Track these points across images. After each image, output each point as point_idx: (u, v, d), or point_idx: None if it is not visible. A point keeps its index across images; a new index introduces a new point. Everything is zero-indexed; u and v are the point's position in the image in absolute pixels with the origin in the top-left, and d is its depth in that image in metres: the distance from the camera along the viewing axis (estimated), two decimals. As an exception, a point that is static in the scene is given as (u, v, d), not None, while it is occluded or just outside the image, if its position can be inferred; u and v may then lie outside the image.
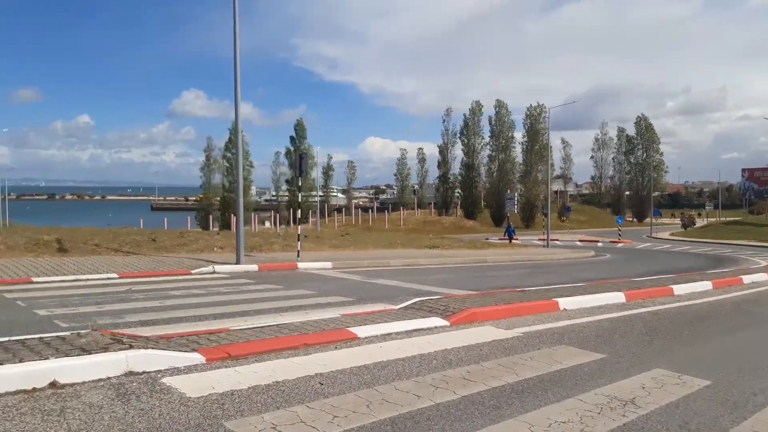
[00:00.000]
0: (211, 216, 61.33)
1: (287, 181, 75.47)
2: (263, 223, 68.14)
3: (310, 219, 65.04)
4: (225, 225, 62.97)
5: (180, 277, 11.29)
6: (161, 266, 12.34)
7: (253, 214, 65.79)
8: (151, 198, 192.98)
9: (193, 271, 12.02)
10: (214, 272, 12.33)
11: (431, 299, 8.16)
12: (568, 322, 7.30)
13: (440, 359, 5.17)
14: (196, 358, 4.66)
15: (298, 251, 14.95)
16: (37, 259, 11.91)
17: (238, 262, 13.26)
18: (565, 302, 8.34)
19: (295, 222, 56.60)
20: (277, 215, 65.79)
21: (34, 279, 9.95)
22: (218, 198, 69.16)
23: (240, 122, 13.59)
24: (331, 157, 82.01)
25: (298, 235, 15.30)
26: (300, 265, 13.94)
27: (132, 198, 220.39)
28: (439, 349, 5.50)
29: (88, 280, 10.41)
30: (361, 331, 5.92)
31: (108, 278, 10.67)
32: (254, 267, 13.11)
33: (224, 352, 4.88)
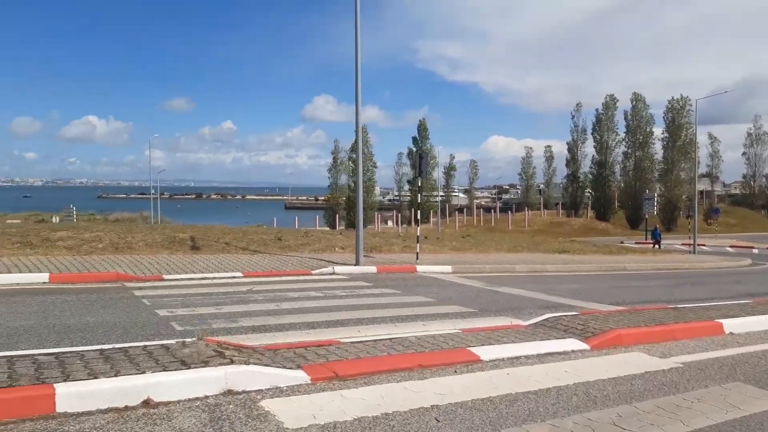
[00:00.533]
0: (337, 215, 63.27)
1: (408, 182, 75.88)
2: (386, 223, 69.07)
3: (431, 219, 64.79)
4: (350, 224, 64.62)
5: (300, 278, 11.24)
6: (284, 265, 12.44)
7: (376, 213, 67.03)
8: (284, 197, 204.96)
9: (313, 272, 11.96)
10: (333, 273, 12.19)
11: (566, 315, 7.16)
12: (738, 351, 6.00)
13: (581, 395, 4.29)
14: (301, 377, 4.23)
15: (417, 253, 14.44)
16: (171, 256, 12.54)
17: (357, 264, 13.04)
18: (730, 324, 6.96)
19: (415, 222, 56.62)
20: (399, 215, 66.34)
21: (165, 276, 10.38)
22: (344, 198, 71.39)
23: (360, 124, 13.34)
24: (453, 157, 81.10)
25: (417, 236, 14.78)
26: (419, 268, 13.40)
27: (268, 197, 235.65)
28: (579, 381, 4.60)
29: (214, 278, 10.68)
30: (485, 353, 5.18)
31: (233, 277, 10.88)
32: (373, 269, 12.80)
33: (331, 370, 4.41)
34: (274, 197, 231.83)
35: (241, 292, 9.15)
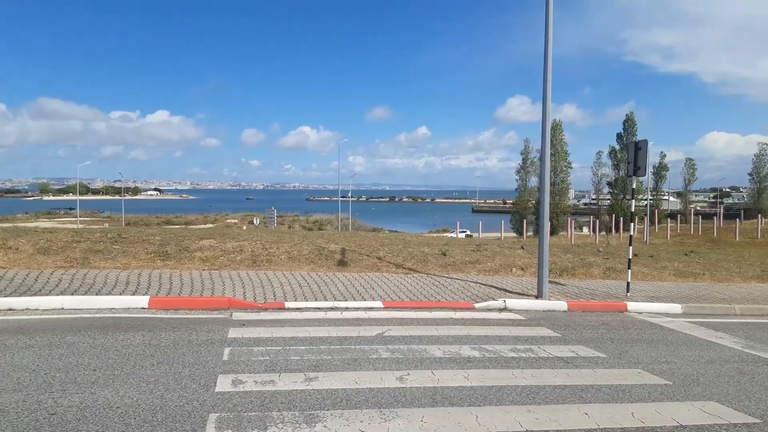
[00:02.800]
0: (525, 220, 58.54)
1: (609, 184, 68.14)
2: (580, 229, 62.35)
3: (635, 226, 56.69)
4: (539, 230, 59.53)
5: (456, 314, 8.27)
6: (440, 292, 9.59)
7: (570, 218, 60.80)
8: (472, 201, 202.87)
9: (476, 306, 8.90)
10: (504, 309, 8.98)
11: None
12: None
13: None
14: None
15: (628, 283, 10.46)
16: (311, 274, 10.50)
17: (539, 295, 9.63)
18: None
19: (617, 231, 49.33)
20: (597, 221, 59.23)
21: (287, 304, 8.21)
22: (533, 201, 66.55)
23: (548, 120, 9.88)
24: (664, 155, 70.16)
25: (629, 260, 10.74)
26: (631, 305, 9.50)
27: (457, 201, 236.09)
28: None
29: (346, 308, 8.25)
30: None
31: (369, 308, 8.35)
32: (561, 304, 9.28)
33: None
34: (462, 200, 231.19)
35: (366, 338, 6.51)
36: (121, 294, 8.03)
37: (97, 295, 7.91)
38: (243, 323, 7.06)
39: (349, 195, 75.78)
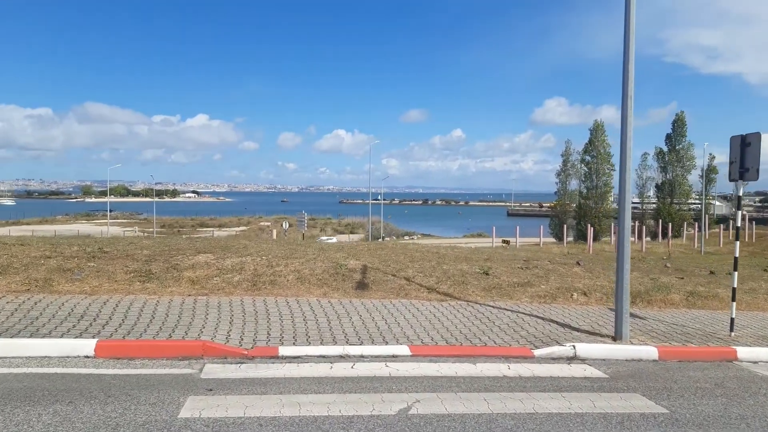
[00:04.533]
0: (565, 225, 55.35)
1: (657, 186, 64.46)
2: (623, 234, 58.76)
3: (684, 232, 52.91)
4: (580, 235, 56.76)
5: (511, 369, 6.05)
6: (486, 329, 7.39)
7: (612, 223, 57.37)
8: (507, 204, 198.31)
9: (536, 353, 6.65)
10: (574, 358, 6.71)
11: None
12: None
13: None
14: None
15: (732, 320, 8.03)
16: (321, 300, 8.42)
17: (617, 337, 7.32)
18: None
19: (664, 237, 45.85)
20: (643, 227, 55.65)
21: (282, 350, 6.14)
22: (574, 205, 63.36)
23: (629, 112, 7.55)
24: (713, 157, 65.62)
25: (734, 288, 8.27)
26: (742, 353, 7.13)
27: (491, 203, 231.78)
28: None
29: (359, 358, 6.14)
30: None
31: (391, 357, 6.21)
32: (650, 351, 6.95)
33: None
34: (496, 203, 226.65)
35: (384, 420, 4.37)
36: (63, 335, 6.08)
37: (31, 337, 5.98)
38: (211, 387, 5.01)
39: (381, 198, 73.78)
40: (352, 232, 72.97)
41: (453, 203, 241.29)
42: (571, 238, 55.82)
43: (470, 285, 9.98)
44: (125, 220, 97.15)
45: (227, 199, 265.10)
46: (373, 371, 5.70)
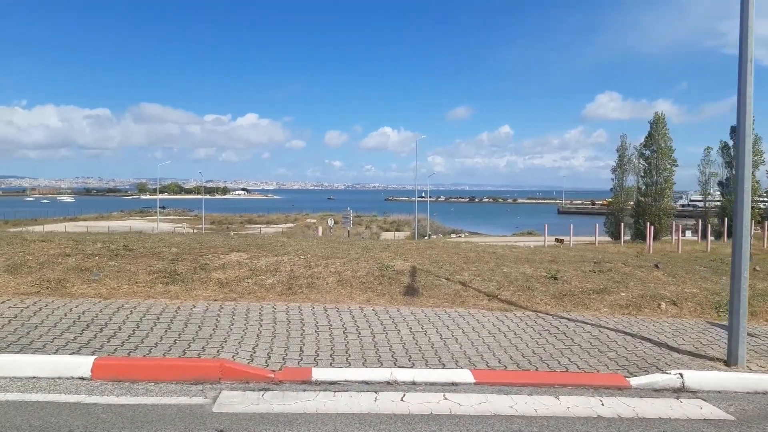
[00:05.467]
0: (622, 224, 52.51)
1: (720, 183, 60.63)
2: (683, 233, 55.61)
3: (751, 230, 49.33)
4: (638, 234, 53.86)
5: (605, 405, 4.72)
6: (564, 348, 6.06)
7: (673, 222, 54.11)
8: (557, 201, 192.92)
9: (633, 382, 5.28)
10: (681, 390, 5.29)
11: None
12: None
13: None
14: None
15: None
16: (364, 307, 7.27)
17: (731, 361, 5.84)
18: None
19: (729, 236, 42.61)
20: (709, 225, 52.16)
21: (317, 373, 5.00)
22: (631, 202, 60.29)
23: (749, 83, 6.06)
24: (788, 150, 61.05)
25: None
26: None
27: (540, 201, 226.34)
28: None
29: (411, 385, 4.94)
30: None
31: (449, 385, 4.98)
32: (781, 383, 5.45)
33: None
34: (546, 201, 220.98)
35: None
36: (58, 351, 5.13)
37: (20, 352, 5.05)
38: (223, 427, 3.92)
39: (428, 195, 72.35)
40: (397, 230, 71.90)
41: (500, 201, 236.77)
42: (628, 237, 53.02)
43: (537, 291, 8.61)
44: (176, 217, 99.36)
45: (275, 197, 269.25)
46: (428, 406, 4.48)
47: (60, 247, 8.97)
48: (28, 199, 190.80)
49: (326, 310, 7.08)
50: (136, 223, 73.34)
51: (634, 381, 5.31)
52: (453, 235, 67.60)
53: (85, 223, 74.66)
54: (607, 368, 5.60)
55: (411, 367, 5.26)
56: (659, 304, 8.42)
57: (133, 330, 5.84)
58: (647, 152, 58.14)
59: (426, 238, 57.50)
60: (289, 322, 6.49)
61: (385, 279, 8.56)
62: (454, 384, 5.03)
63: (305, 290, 7.90)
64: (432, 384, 5.00)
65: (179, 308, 6.76)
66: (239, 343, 5.66)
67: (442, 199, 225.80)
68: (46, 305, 6.51)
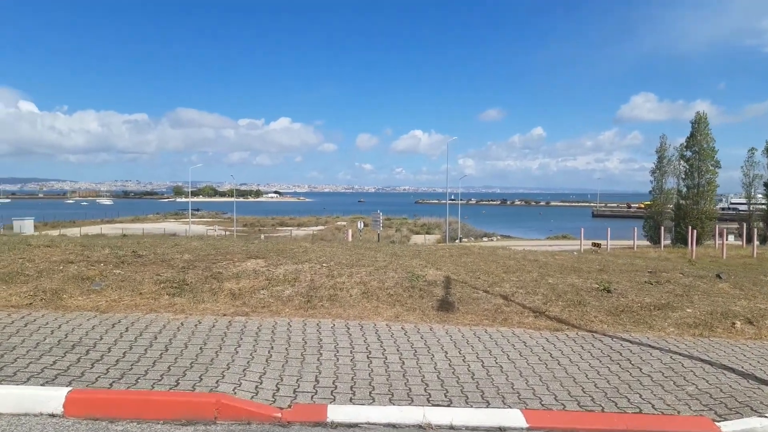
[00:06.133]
0: (662, 228, 50.37)
1: (766, 185, 57.69)
2: (725, 237, 53.00)
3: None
4: (680, 238, 51.63)
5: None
6: (630, 381, 5.04)
7: (716, 225, 51.65)
8: (591, 204, 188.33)
9: (723, 428, 4.23)
10: (788, 440, 4.22)
11: None
12: None
13: None
14: None
15: None
16: (394, 327, 6.36)
17: None
18: None
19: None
20: (754, 229, 49.54)
21: (332, 411, 4.12)
22: (671, 205, 57.91)
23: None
24: None
25: None
26: None
27: (573, 204, 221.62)
28: None
29: (449, 430, 4.01)
30: None
31: (498, 430, 4.04)
32: None
33: None
34: (580, 204, 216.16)
35: None
36: (30, 379, 4.35)
37: (-14, 379, 4.30)
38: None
39: (459, 198, 70.98)
40: (428, 233, 70.77)
41: (533, 203, 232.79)
42: (667, 241, 50.85)
43: (590, 306, 7.55)
44: (210, 219, 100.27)
45: (307, 199, 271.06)
46: (471, 462, 3.54)
47: (64, 254, 8.32)
48: (68, 201, 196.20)
49: (348, 328, 6.19)
50: (170, 225, 74.06)
51: (726, 427, 4.27)
52: (485, 239, 66.15)
53: (122, 225, 75.79)
54: (688, 408, 4.56)
55: (448, 405, 4.33)
56: (733, 323, 7.26)
57: (124, 352, 5.06)
58: (689, 153, 55.82)
59: (457, 241, 56.24)
60: (305, 342, 5.63)
61: (415, 291, 7.64)
62: (501, 429, 4.08)
63: (326, 303, 7.03)
64: (474, 429, 4.06)
65: (182, 325, 5.96)
66: (244, 370, 4.82)
67: (473, 201, 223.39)
68: (34, 320, 5.80)
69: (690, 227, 43.04)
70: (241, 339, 5.60)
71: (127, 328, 5.70)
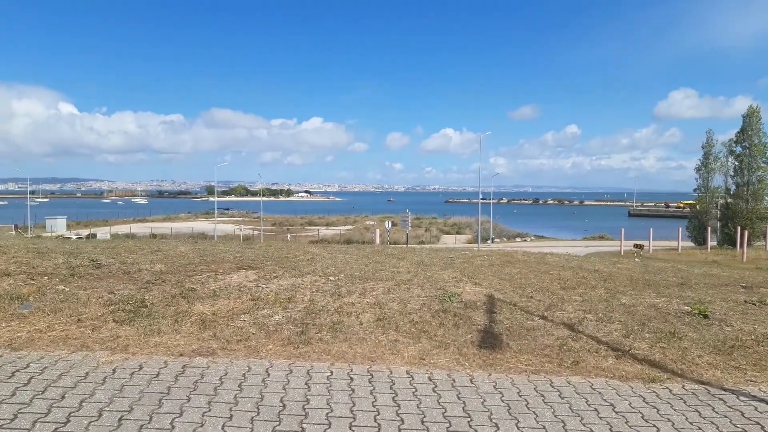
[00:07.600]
0: (708, 228, 47.15)
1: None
2: (770, 240, 49.60)
3: None
4: (725, 239, 48.50)
5: None
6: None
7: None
8: (627, 203, 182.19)
9: None
10: None
11: None
12: None
13: None
14: None
15: None
16: (418, 375, 4.45)
17: None
18: None
19: None
20: (808, 230, 45.86)
21: None
22: (718, 204, 54.59)
23: None
24: None
25: None
26: None
27: (608, 203, 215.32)
28: None
29: None
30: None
31: None
32: None
33: None
34: (615, 203, 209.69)
35: None
36: None
37: None
38: None
39: (490, 197, 68.37)
40: (458, 233, 68.46)
41: (566, 203, 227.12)
42: (714, 242, 47.68)
43: (687, 340, 5.49)
44: (240, 218, 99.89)
45: (337, 199, 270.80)
46: None
47: (6, 263, 6.66)
48: (104, 200, 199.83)
49: (351, 380, 4.29)
50: (200, 225, 73.53)
51: None
52: (518, 239, 63.60)
53: (152, 224, 75.66)
54: None
55: None
56: None
57: (-4, 429, 3.28)
58: (738, 149, 52.39)
59: (489, 242, 53.91)
60: (283, 407, 3.75)
61: (448, 317, 5.70)
62: None
63: (326, 335, 5.16)
64: None
65: (113, 373, 4.16)
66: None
67: (505, 200, 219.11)
68: None
69: (739, 228, 40.01)
70: (187, 402, 3.76)
71: (25, 382, 3.92)
